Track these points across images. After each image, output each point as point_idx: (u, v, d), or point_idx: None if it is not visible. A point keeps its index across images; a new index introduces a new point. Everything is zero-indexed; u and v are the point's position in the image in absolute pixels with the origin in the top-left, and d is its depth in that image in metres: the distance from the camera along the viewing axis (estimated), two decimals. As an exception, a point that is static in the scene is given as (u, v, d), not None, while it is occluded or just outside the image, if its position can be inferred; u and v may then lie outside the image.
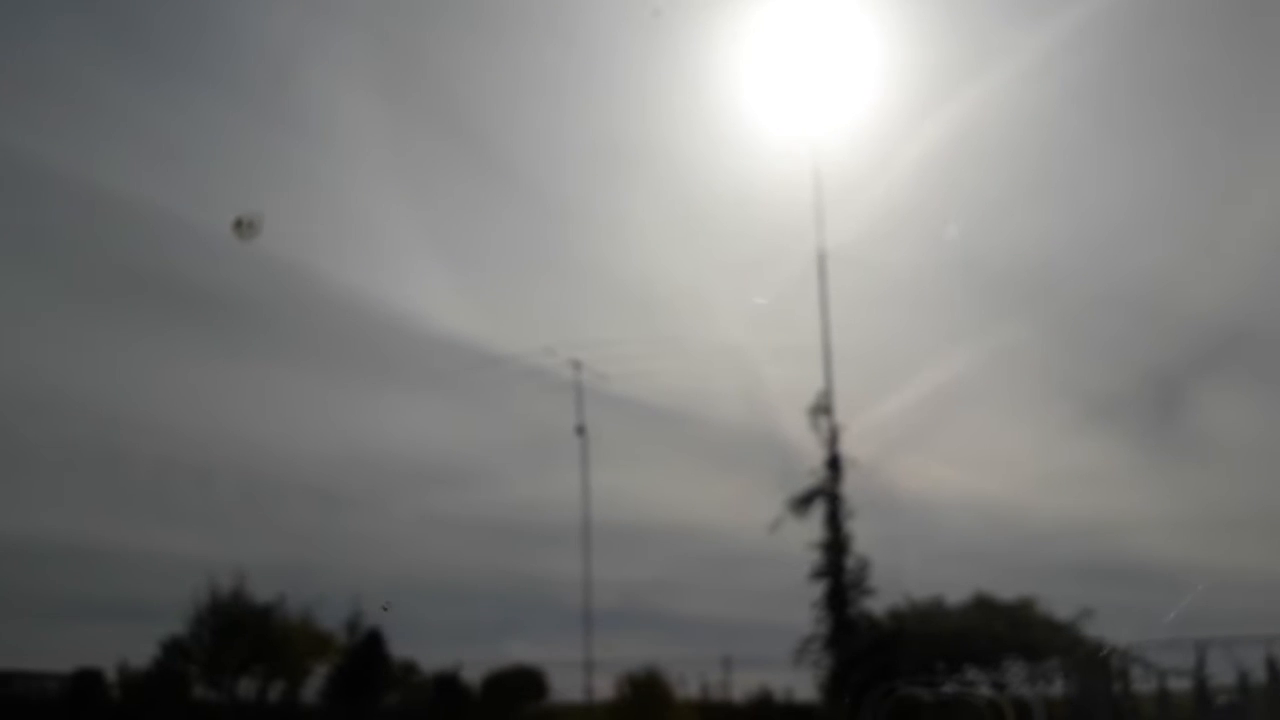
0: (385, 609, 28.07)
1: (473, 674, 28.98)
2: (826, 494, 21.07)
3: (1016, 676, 21.26)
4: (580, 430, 22.92)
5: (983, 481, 40.00)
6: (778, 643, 21.34)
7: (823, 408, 21.26)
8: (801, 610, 20.41)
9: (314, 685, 29.01)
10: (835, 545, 20.88)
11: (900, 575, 22.30)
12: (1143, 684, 21.72)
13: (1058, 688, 21.69)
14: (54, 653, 29.96)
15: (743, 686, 24.40)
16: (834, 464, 21.14)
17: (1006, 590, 21.82)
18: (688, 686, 25.49)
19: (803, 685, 22.04)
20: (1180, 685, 21.87)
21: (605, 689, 25.41)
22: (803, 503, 21.24)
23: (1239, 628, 21.91)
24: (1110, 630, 21.39)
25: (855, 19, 34.55)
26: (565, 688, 27.15)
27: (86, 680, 27.66)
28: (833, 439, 21.13)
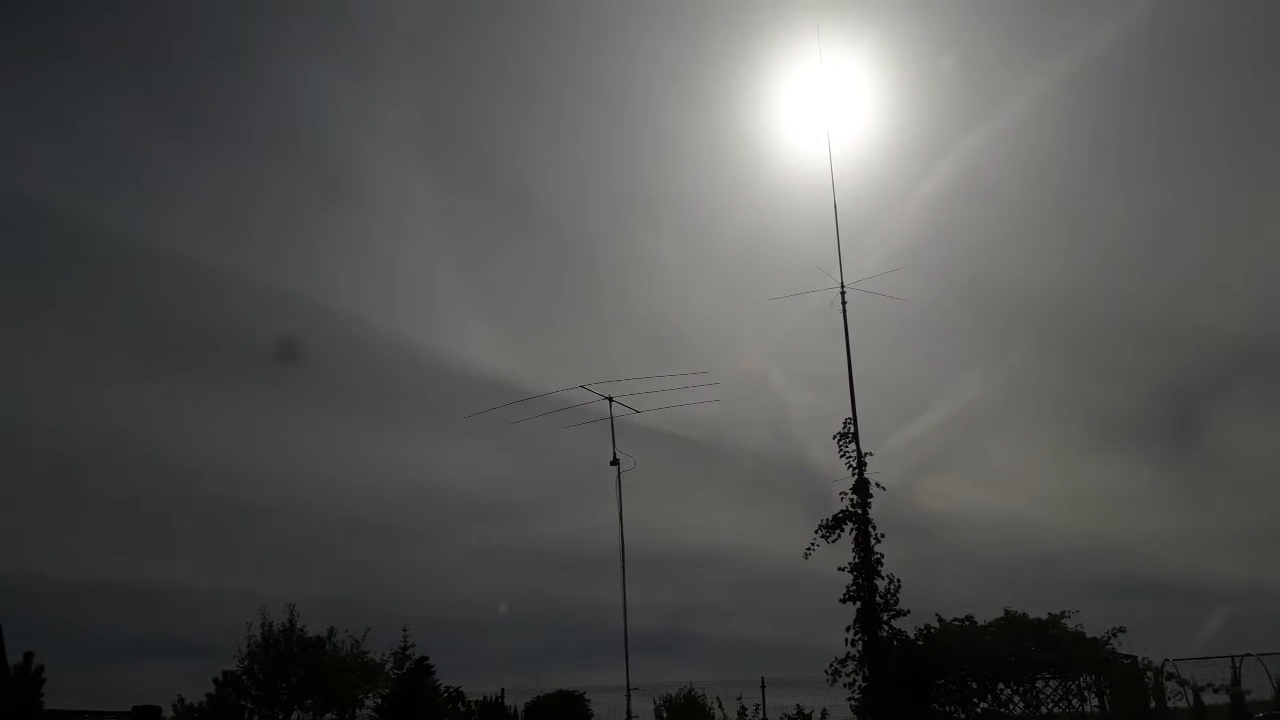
0: None
1: (517, 700, 29.61)
2: (855, 518, 21.39)
3: (1050, 694, 21.39)
4: (615, 462, 23.51)
5: (1007, 502, 40.32)
6: (812, 664, 21.72)
7: (849, 434, 21.66)
8: (835, 632, 20.74)
9: (364, 715, 29.77)
10: (865, 567, 21.13)
11: (930, 595, 22.59)
12: (1178, 700, 21.82)
13: (1091, 704, 21.81)
14: (115, 691, 31.02)
15: (778, 707, 24.76)
16: (862, 488, 21.45)
17: (1035, 608, 22.05)
18: (725, 708, 25.88)
19: (837, 706, 22.35)
20: (1216, 700, 21.97)
21: (645, 712, 25.88)
22: (832, 527, 21.54)
23: (1274, 643, 22.07)
24: (1143, 646, 21.54)
25: (870, 68, 35.97)
26: (606, 711, 27.69)
27: (145, 717, 28.44)
28: (860, 464, 21.50)
